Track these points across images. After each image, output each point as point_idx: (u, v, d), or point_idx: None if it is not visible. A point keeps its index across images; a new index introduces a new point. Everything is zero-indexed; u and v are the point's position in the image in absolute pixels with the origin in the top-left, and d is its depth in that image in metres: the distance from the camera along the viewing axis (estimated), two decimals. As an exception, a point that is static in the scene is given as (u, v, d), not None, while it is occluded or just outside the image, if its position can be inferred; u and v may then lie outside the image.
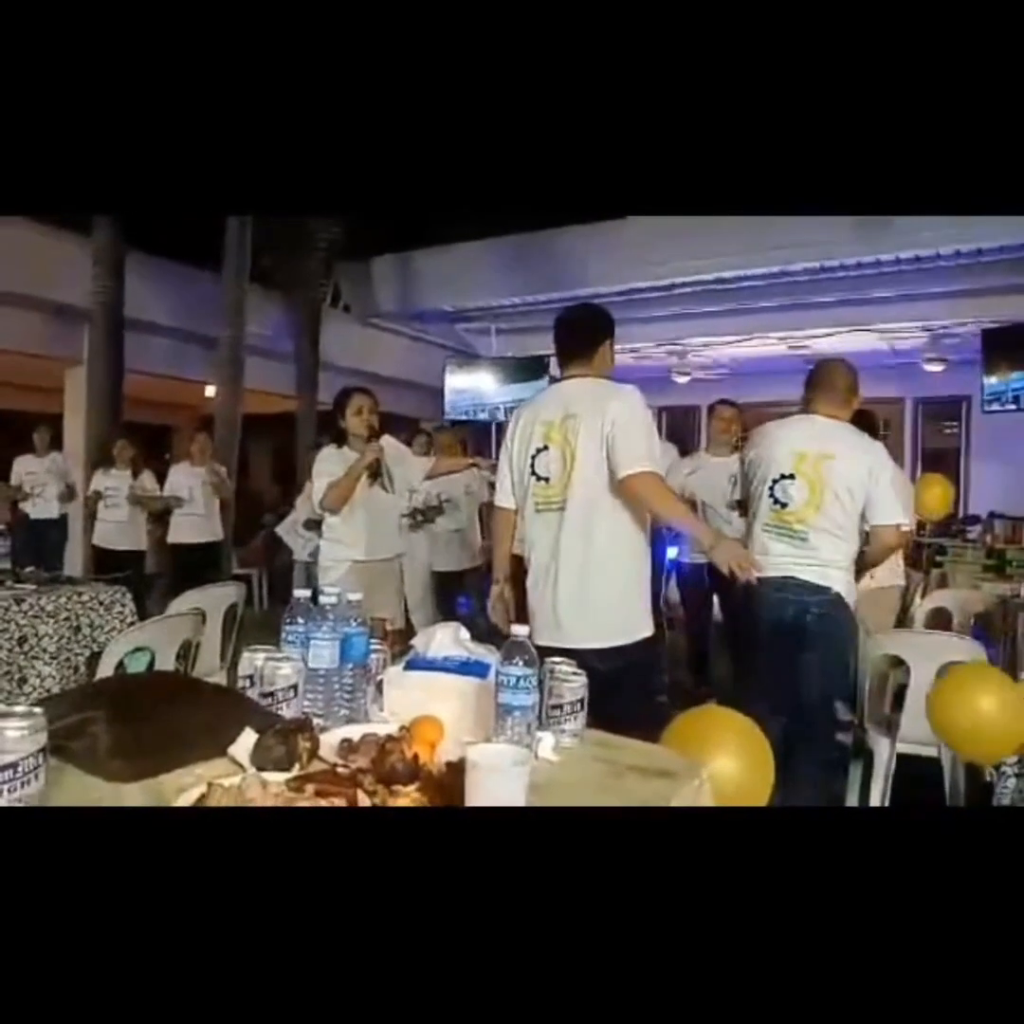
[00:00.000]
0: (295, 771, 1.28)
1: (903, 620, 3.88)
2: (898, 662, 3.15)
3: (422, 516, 5.45)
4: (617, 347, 2.65)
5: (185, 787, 1.21)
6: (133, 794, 1.22)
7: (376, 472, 3.57)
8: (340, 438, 3.64)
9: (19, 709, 1.11)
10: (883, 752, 3.00)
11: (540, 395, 2.78)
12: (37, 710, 1.11)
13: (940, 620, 3.82)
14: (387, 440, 3.68)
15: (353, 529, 3.56)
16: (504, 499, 2.63)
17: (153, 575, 6.66)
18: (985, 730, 2.42)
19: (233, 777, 1.24)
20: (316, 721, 1.45)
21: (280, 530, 6.81)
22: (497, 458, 2.74)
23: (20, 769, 1.06)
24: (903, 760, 3.00)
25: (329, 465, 3.57)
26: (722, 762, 1.66)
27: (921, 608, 3.94)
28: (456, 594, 5.68)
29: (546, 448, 2.49)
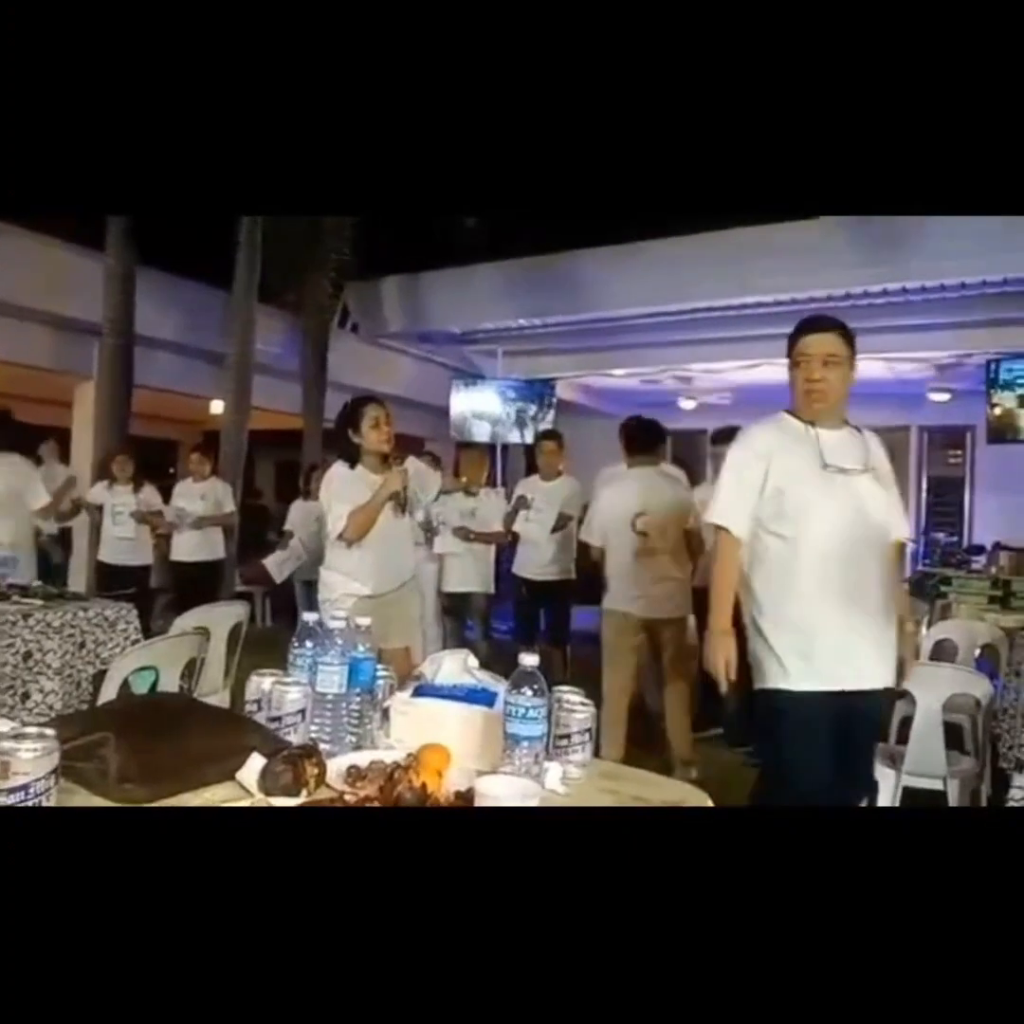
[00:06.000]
0: (302, 797, 1.28)
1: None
2: (902, 694, 3.14)
3: (427, 532, 5.41)
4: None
5: (193, 812, 1.21)
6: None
7: (402, 499, 3.20)
8: (352, 456, 3.20)
9: (32, 730, 1.12)
10: (888, 785, 2.98)
11: None
12: (49, 732, 1.11)
13: (944, 652, 3.81)
14: (410, 461, 3.34)
15: (362, 562, 3.16)
16: None
17: (156, 590, 6.67)
18: None
19: (241, 802, 1.25)
20: (323, 747, 1.45)
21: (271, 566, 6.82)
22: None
23: (32, 791, 1.07)
24: (908, 794, 2.98)
25: (345, 490, 3.15)
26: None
27: (925, 639, 3.92)
28: (464, 616, 5.65)
29: None
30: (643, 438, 4.23)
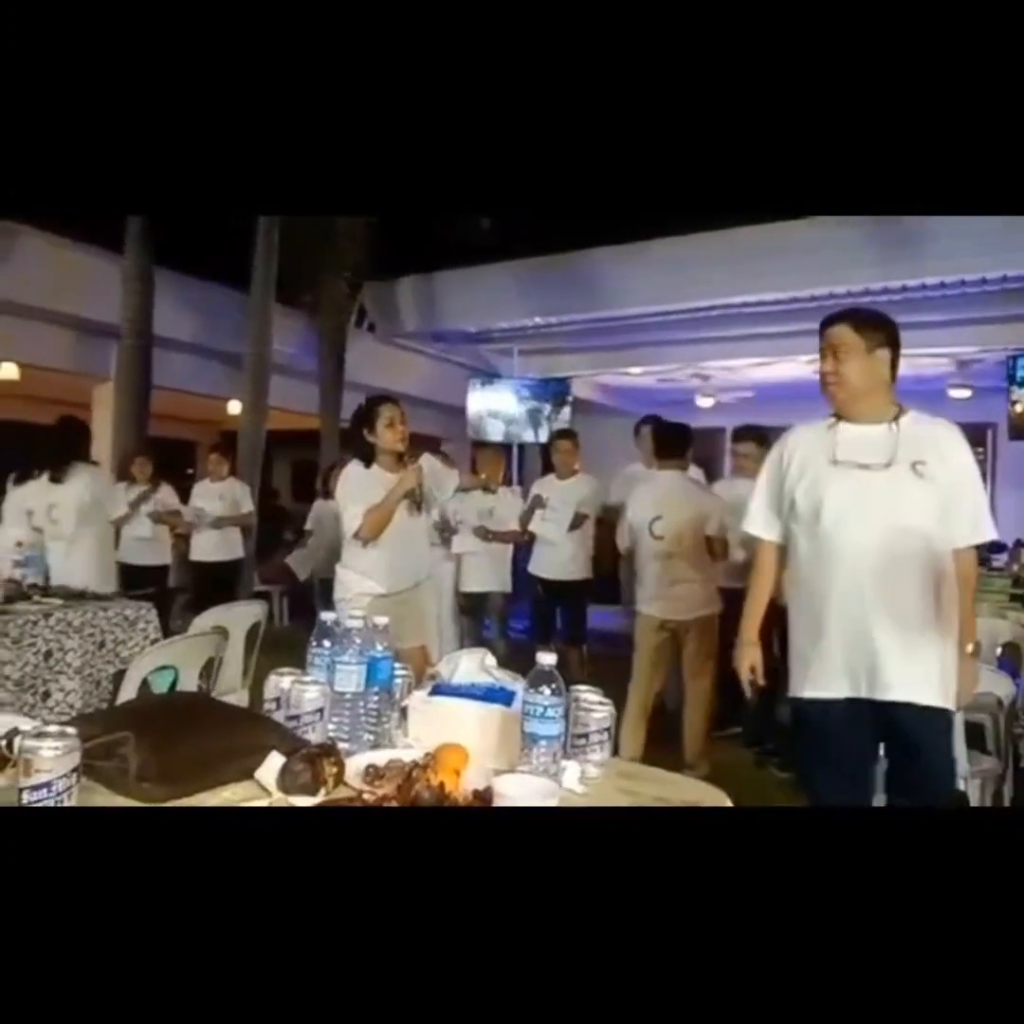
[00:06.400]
0: (321, 796, 1.28)
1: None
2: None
3: (444, 532, 5.40)
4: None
5: (213, 810, 1.22)
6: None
7: (417, 498, 3.24)
8: (367, 455, 3.24)
9: (53, 729, 1.13)
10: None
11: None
12: (71, 730, 1.12)
13: (965, 650, 3.77)
14: (425, 458, 3.35)
15: (377, 561, 3.18)
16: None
17: (175, 590, 6.71)
18: None
19: (260, 800, 1.25)
20: (341, 745, 1.46)
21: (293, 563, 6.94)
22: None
23: (54, 788, 1.08)
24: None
25: (360, 489, 3.19)
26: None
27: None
28: (481, 616, 5.64)
29: None
30: (671, 442, 4.27)
